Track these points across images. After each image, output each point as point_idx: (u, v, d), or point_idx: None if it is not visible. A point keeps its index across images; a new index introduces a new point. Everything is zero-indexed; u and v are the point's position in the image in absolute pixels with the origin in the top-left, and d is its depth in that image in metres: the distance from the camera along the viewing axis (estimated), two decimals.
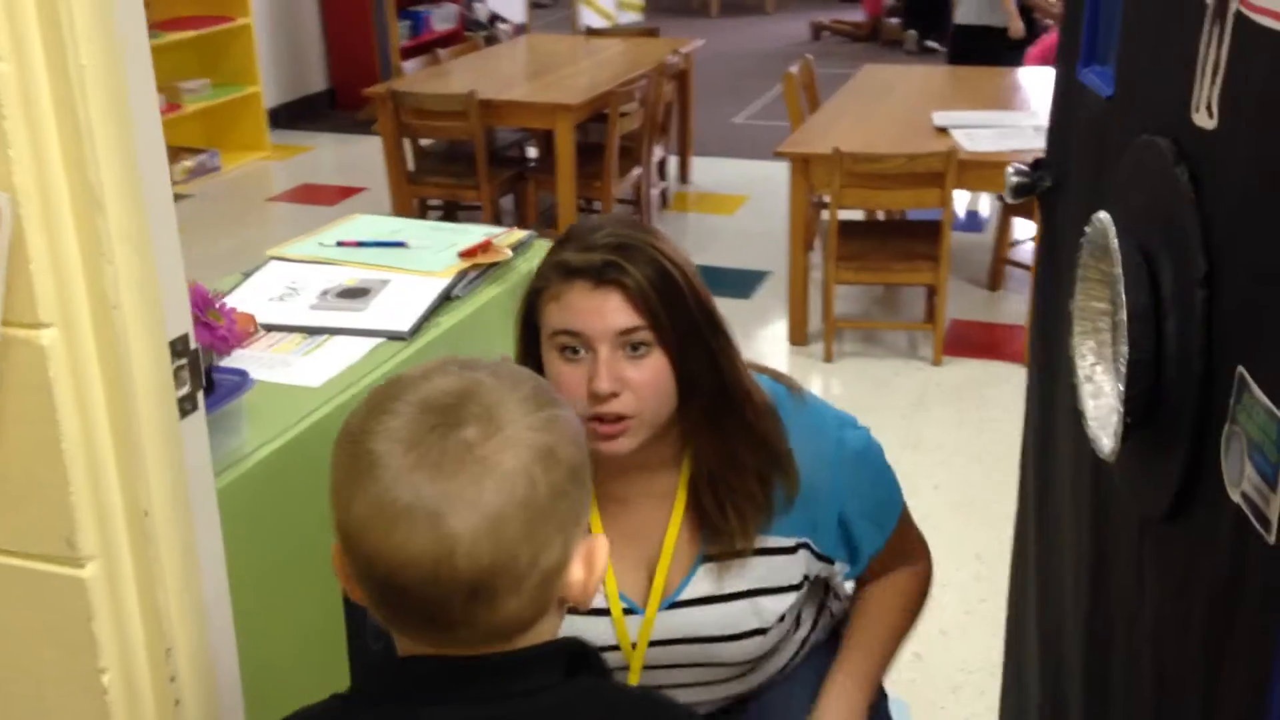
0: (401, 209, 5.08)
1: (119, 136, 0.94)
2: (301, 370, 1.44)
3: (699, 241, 5.42)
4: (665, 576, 1.36)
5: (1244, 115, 0.87)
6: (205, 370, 1.24)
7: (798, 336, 4.36)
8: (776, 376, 1.45)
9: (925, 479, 3.43)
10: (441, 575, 0.69)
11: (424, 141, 5.43)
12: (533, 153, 5.93)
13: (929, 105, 4.54)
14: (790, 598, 1.39)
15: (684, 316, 1.25)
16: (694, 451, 1.34)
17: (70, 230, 0.94)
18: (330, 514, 0.79)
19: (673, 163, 6.20)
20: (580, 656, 0.81)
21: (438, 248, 1.83)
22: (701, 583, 1.37)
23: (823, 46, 9.91)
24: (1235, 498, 0.84)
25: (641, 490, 1.36)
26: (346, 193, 6.19)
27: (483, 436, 0.70)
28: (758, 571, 1.37)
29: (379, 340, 1.53)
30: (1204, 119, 0.93)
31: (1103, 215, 1.08)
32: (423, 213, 5.30)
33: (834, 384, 4.12)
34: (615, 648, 1.37)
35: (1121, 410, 1.01)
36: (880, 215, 4.81)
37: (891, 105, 4.75)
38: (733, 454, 1.32)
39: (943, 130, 4.23)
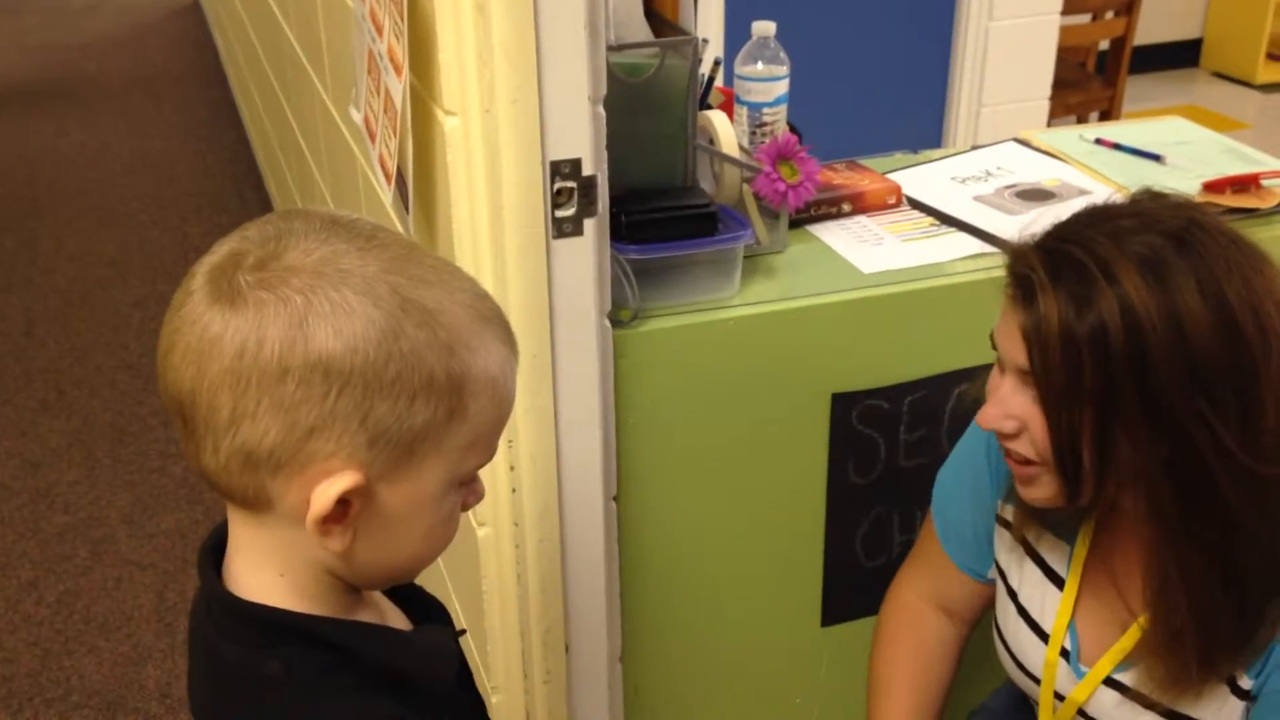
0: None
1: None
2: (879, 252, 1.32)
3: None
4: (1130, 645, 1.04)
5: None
6: (710, 212, 1.21)
7: None
8: None
9: None
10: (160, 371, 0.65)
11: None
12: None
13: None
14: None
15: (1094, 387, 0.88)
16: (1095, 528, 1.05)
17: (470, 29, 0.98)
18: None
19: None
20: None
21: (1195, 173, 1.50)
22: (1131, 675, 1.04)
23: None
24: None
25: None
26: None
27: (262, 272, 0.61)
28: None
29: (988, 248, 1.33)
30: None
31: None
32: None
33: None
34: (1036, 681, 1.11)
35: None
36: None
37: None
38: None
39: None
